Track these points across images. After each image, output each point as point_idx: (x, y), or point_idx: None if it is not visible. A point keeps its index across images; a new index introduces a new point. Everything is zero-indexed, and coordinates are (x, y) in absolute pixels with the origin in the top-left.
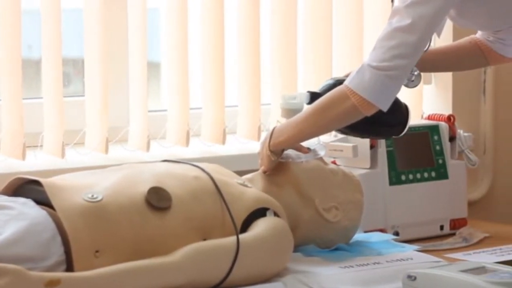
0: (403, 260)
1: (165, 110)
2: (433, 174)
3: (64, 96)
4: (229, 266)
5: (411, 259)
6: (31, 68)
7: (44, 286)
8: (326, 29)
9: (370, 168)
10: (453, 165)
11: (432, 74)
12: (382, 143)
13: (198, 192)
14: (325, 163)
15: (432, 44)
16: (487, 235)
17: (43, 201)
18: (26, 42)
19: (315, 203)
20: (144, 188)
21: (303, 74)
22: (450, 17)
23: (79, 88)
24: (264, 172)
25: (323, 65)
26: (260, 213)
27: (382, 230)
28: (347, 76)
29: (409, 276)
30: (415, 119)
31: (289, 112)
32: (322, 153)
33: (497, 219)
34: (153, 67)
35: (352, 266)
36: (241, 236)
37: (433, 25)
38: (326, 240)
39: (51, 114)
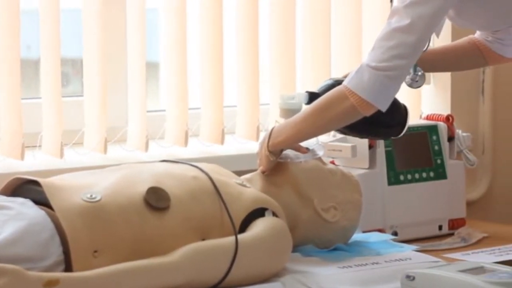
0: (402, 260)
1: (163, 110)
2: (431, 174)
3: (63, 96)
4: (227, 266)
5: (410, 259)
6: (30, 68)
7: (42, 286)
8: (325, 29)
9: (369, 168)
10: (451, 165)
11: (431, 74)
12: (380, 143)
13: (196, 192)
14: (324, 163)
15: (431, 44)
16: (485, 235)
17: (42, 201)
18: (24, 42)
19: (313, 203)
20: (143, 188)
21: (302, 74)
22: (449, 17)
23: (77, 88)
24: (263, 172)
25: (321, 65)
26: (258, 213)
27: (380, 230)
28: (345, 76)
29: (408, 276)
30: (413, 119)
31: (288, 112)
32: (320, 153)
33: (496, 219)
34: (151, 67)
35: (351, 266)
36: (240, 236)
37: (432, 25)
38: (325, 240)
39: (50, 114)
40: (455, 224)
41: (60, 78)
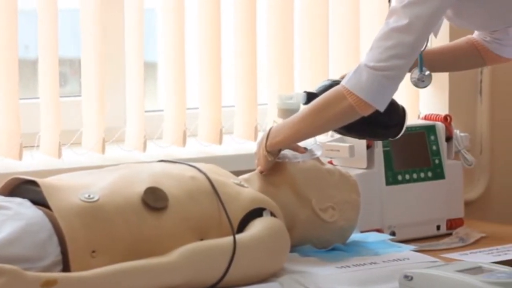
0: (400, 260)
1: (161, 110)
2: (429, 174)
3: (61, 96)
4: (225, 266)
5: (408, 259)
6: (27, 68)
7: (40, 286)
8: (322, 29)
9: (367, 168)
10: (449, 165)
11: None
12: (378, 143)
13: (194, 192)
14: (322, 163)
15: (429, 44)
16: (483, 235)
17: (40, 201)
18: (22, 42)
19: (311, 203)
20: (141, 188)
21: (300, 74)
22: (447, 17)
23: (75, 88)
24: (261, 172)
25: (319, 65)
26: (256, 213)
27: (378, 230)
28: (343, 77)
29: (406, 276)
30: (411, 119)
31: (286, 112)
32: (318, 153)
33: (494, 219)
34: (149, 67)
35: (349, 266)
36: (238, 236)
37: (430, 25)
38: (323, 240)
39: (48, 114)
40: (453, 224)
41: (58, 78)
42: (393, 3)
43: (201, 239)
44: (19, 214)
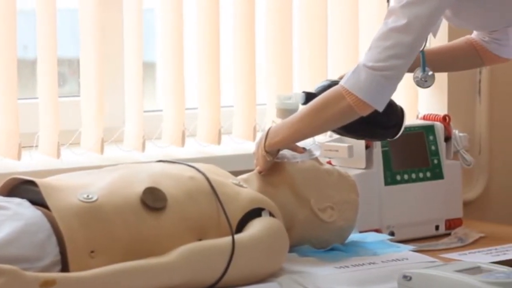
0: (399, 260)
1: (160, 110)
2: (428, 174)
3: (60, 96)
4: (224, 266)
5: (407, 259)
6: (26, 68)
7: (39, 287)
8: (321, 29)
9: (366, 168)
10: (448, 165)
11: None
12: (377, 144)
13: (193, 192)
14: (321, 163)
15: (427, 44)
16: (482, 235)
17: (39, 202)
18: (21, 42)
19: (310, 203)
20: (140, 188)
21: (299, 74)
22: (445, 17)
23: (74, 88)
24: (260, 172)
25: (318, 65)
26: (255, 213)
27: (377, 230)
28: (342, 78)
29: (405, 276)
30: (410, 119)
31: (285, 112)
32: (317, 153)
33: (492, 219)
34: (148, 67)
35: (348, 266)
36: (237, 236)
37: (429, 25)
38: (322, 240)
39: (47, 114)
40: (452, 224)
41: (56, 78)
42: (392, 3)
43: (200, 239)
44: (18, 214)
